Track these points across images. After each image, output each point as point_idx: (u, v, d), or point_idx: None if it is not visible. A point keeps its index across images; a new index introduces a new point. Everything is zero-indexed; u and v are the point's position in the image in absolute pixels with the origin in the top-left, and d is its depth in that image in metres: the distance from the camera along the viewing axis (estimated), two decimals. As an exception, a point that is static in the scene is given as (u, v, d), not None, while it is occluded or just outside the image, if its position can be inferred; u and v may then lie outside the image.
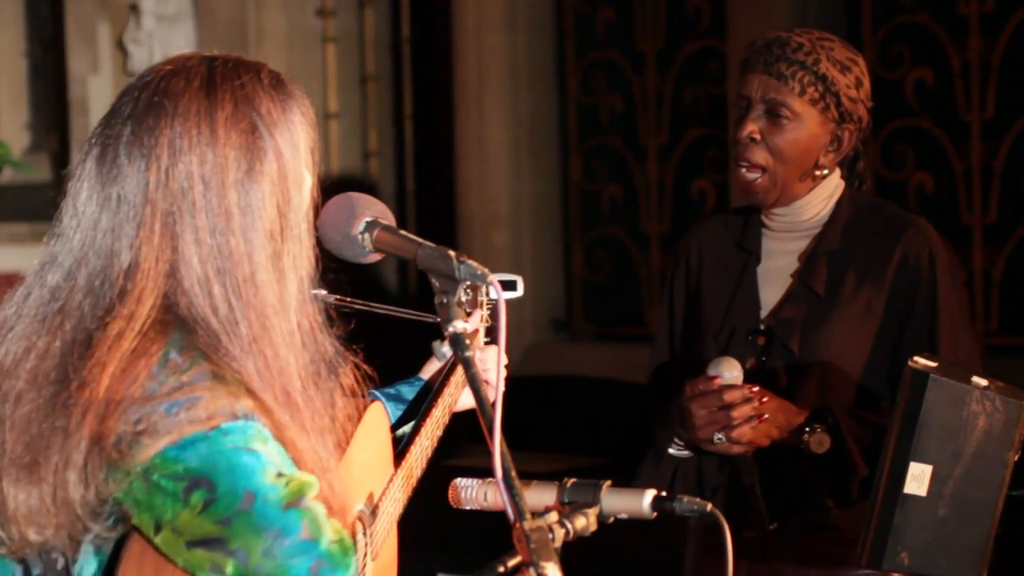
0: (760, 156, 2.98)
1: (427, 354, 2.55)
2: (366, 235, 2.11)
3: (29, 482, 1.85)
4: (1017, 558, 3.04)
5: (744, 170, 2.99)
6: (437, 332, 1.95)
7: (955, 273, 3.02)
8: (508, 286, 2.59)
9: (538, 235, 7.09)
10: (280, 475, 1.82)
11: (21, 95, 8.01)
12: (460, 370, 2.48)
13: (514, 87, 7.02)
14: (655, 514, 1.96)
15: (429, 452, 2.42)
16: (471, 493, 2.07)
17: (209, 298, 1.88)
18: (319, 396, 1.95)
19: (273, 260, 1.92)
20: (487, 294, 2.63)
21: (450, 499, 2.10)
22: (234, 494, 1.79)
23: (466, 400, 2.54)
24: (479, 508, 2.07)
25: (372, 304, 2.33)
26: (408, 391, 2.54)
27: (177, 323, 1.88)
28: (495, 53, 7.00)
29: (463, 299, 2.42)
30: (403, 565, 2.37)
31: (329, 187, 2.13)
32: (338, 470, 1.95)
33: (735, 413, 2.84)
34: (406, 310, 2.44)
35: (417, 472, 2.39)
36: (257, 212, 1.91)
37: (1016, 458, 2.69)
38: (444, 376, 2.49)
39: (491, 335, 2.65)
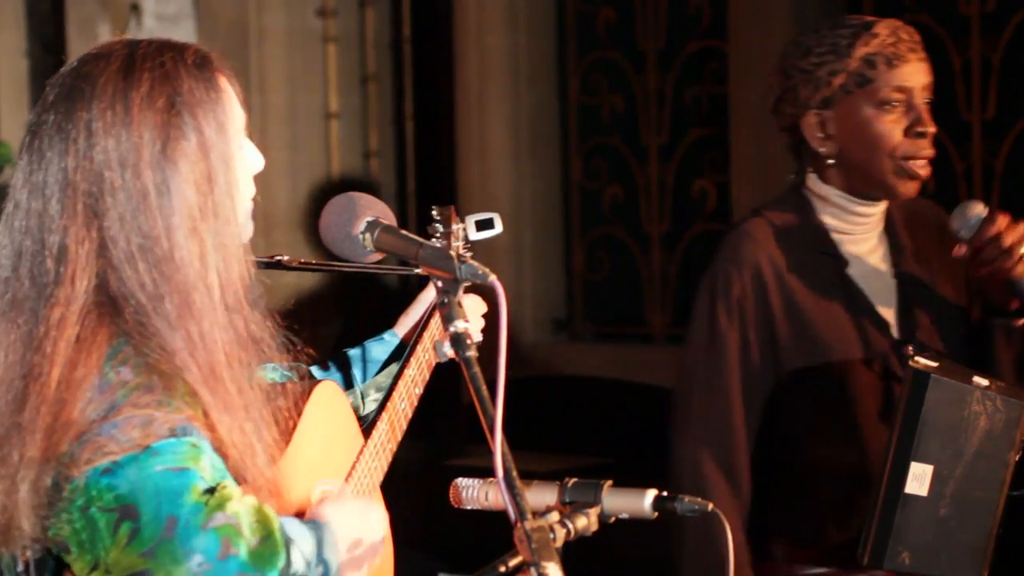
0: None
1: (398, 312, 2.52)
2: (367, 235, 2.11)
3: None
4: (1018, 558, 3.04)
5: (922, 166, 2.91)
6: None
7: None
8: (485, 225, 2.57)
9: (539, 235, 7.09)
10: (207, 491, 1.82)
11: (22, 95, 8.00)
12: (434, 324, 2.46)
13: (515, 87, 7.02)
14: (656, 514, 1.96)
15: (409, 412, 2.40)
16: (472, 493, 2.07)
17: (135, 274, 1.90)
18: (249, 373, 1.95)
19: (193, 238, 1.92)
20: (460, 236, 2.59)
21: (451, 499, 2.10)
22: (157, 522, 1.79)
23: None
24: (480, 508, 2.07)
25: (340, 264, 2.31)
26: (379, 349, 2.52)
27: (110, 304, 1.89)
28: (496, 53, 7.00)
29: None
30: (404, 565, 2.37)
31: (330, 187, 2.14)
32: (273, 444, 1.95)
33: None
34: (380, 266, 2.41)
35: (397, 435, 2.37)
36: (174, 191, 1.91)
37: (1017, 458, 2.69)
38: (418, 333, 2.48)
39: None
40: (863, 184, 2.92)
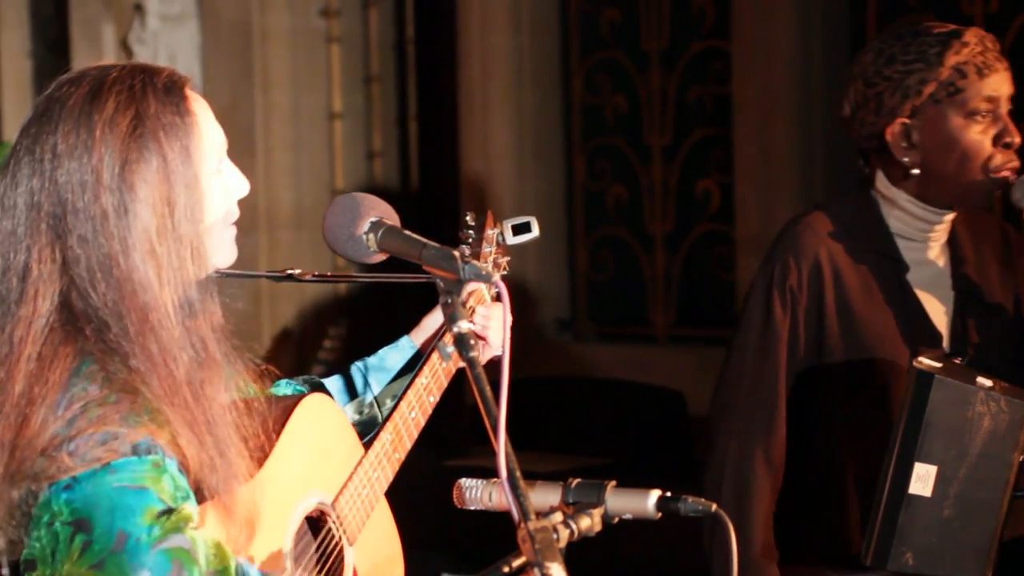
0: None
1: (403, 310, 2.51)
2: (370, 235, 2.11)
3: None
4: (1021, 559, 3.04)
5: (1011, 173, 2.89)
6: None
7: None
8: (522, 228, 2.57)
9: (542, 235, 7.02)
10: (163, 513, 1.83)
11: (26, 95, 8.01)
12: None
13: (518, 87, 7.01)
14: (659, 514, 1.96)
15: (421, 421, 2.39)
16: (476, 493, 2.07)
17: (95, 293, 1.93)
18: (211, 391, 1.96)
19: (150, 260, 1.94)
20: (496, 241, 2.57)
21: (455, 500, 2.10)
22: (109, 535, 1.81)
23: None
24: (484, 508, 2.07)
25: (353, 276, 2.32)
26: (395, 357, 2.52)
27: (73, 323, 1.92)
28: (499, 53, 7.00)
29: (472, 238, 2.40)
30: (407, 565, 2.37)
31: (333, 187, 2.14)
32: (239, 461, 1.97)
33: None
34: (389, 275, 2.41)
35: (406, 443, 2.36)
36: (131, 213, 1.94)
37: (1021, 459, 2.69)
38: (435, 342, 2.47)
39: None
40: (941, 193, 2.90)
